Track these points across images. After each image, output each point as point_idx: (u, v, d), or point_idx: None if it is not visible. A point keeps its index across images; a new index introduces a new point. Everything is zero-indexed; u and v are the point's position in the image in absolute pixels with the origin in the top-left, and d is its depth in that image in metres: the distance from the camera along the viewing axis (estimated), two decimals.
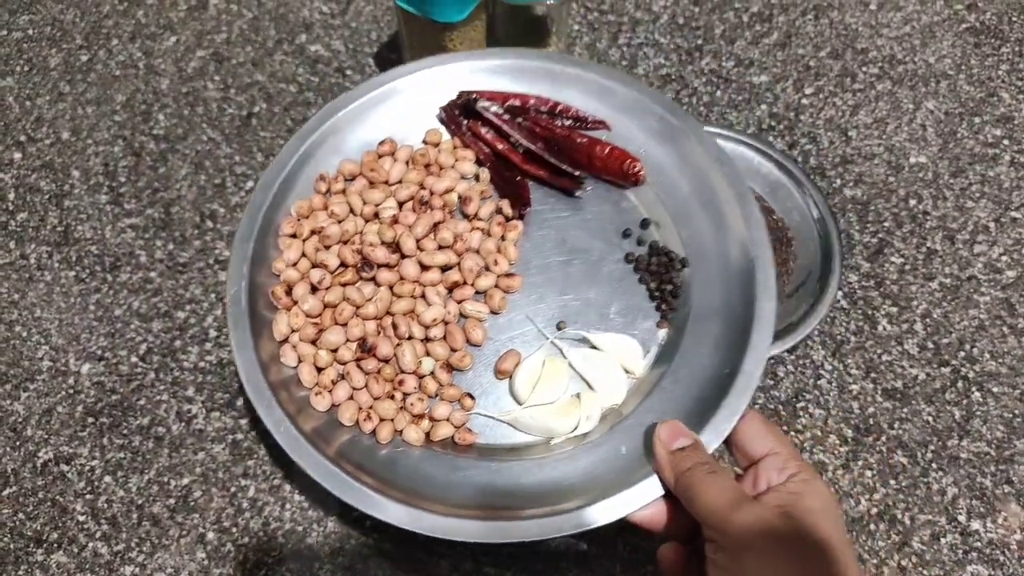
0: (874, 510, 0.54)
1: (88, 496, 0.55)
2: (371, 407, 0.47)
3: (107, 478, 0.56)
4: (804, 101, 0.74)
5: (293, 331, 0.49)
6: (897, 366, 0.60)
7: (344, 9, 0.80)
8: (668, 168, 0.54)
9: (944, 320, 0.62)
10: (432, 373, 0.48)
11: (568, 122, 0.56)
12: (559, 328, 0.50)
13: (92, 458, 0.56)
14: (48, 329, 0.61)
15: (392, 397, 0.47)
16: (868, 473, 0.56)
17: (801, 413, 0.58)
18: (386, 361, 0.48)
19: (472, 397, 0.48)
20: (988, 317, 0.62)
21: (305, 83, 0.74)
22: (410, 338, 0.48)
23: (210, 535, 0.53)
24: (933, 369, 0.60)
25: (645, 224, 0.54)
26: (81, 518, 0.54)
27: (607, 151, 0.53)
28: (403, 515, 0.42)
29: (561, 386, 0.48)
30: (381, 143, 0.55)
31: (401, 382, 0.47)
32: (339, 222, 0.52)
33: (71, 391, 0.59)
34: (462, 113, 0.57)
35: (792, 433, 0.57)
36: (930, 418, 0.58)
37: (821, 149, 0.71)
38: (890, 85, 0.75)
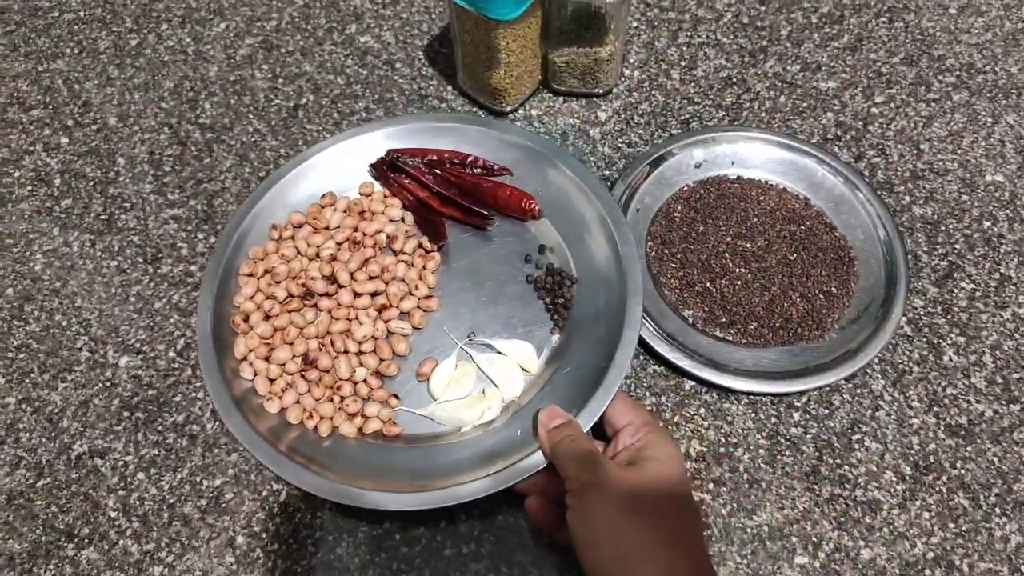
0: (930, 554, 0.51)
1: (121, 492, 0.54)
2: (314, 408, 0.56)
3: (140, 475, 0.55)
4: (874, 110, 0.70)
5: (250, 351, 0.58)
6: (962, 400, 0.56)
7: None
8: (559, 202, 0.63)
9: (1016, 353, 0.58)
10: (364, 380, 0.57)
11: (477, 170, 0.65)
12: (470, 338, 0.59)
13: (126, 453, 0.56)
14: (88, 319, 0.61)
15: (331, 400, 0.56)
16: (926, 515, 0.52)
17: (856, 446, 0.55)
18: (326, 371, 0.57)
19: (397, 397, 0.57)
20: None
21: (354, 75, 0.73)
22: (346, 352, 0.58)
23: (240, 539, 0.53)
24: (1001, 406, 0.56)
25: (541, 250, 0.62)
26: (113, 514, 0.54)
27: (508, 192, 0.63)
28: (343, 493, 0.50)
29: (470, 384, 0.57)
30: (323, 196, 0.65)
31: (339, 387, 0.56)
32: (287, 262, 0.61)
33: (108, 383, 0.59)
34: (389, 168, 0.66)
35: (845, 467, 0.54)
36: (995, 459, 0.54)
37: (890, 162, 0.67)
38: (967, 96, 0.71)
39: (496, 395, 0.56)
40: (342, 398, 0.56)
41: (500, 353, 0.58)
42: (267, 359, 0.57)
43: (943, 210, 0.64)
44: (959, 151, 0.67)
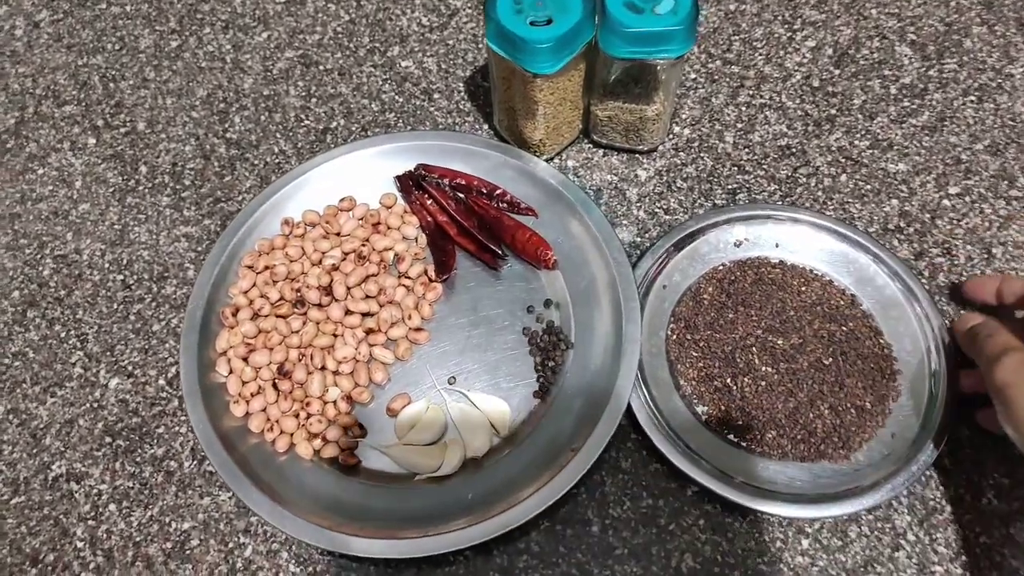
0: None
1: (91, 522, 0.53)
2: (277, 420, 0.55)
3: (112, 506, 0.54)
4: (945, 202, 0.63)
5: (230, 347, 0.57)
6: (996, 553, 0.50)
7: (444, 23, 0.74)
8: (575, 258, 0.59)
9: None
10: (334, 402, 0.55)
11: (503, 205, 0.62)
12: (450, 382, 0.57)
13: (102, 481, 0.55)
14: (86, 334, 0.60)
15: (297, 416, 0.55)
16: None
17: None
18: (299, 385, 0.56)
19: (362, 427, 0.55)
20: None
21: (389, 102, 0.70)
22: (323, 369, 0.56)
23: None
24: None
25: (547, 304, 0.60)
26: (80, 544, 0.53)
27: (527, 236, 0.60)
28: (275, 516, 0.49)
29: (435, 432, 0.54)
30: (342, 199, 0.63)
31: (307, 404, 0.55)
32: (290, 262, 0.60)
33: (95, 405, 0.57)
34: (414, 184, 0.63)
35: None
36: None
37: (955, 264, 0.60)
38: None
39: (458, 450, 0.54)
40: (308, 415, 0.55)
41: (475, 406, 0.56)
42: (245, 360, 0.56)
43: None
44: None
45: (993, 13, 0.73)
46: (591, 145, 0.67)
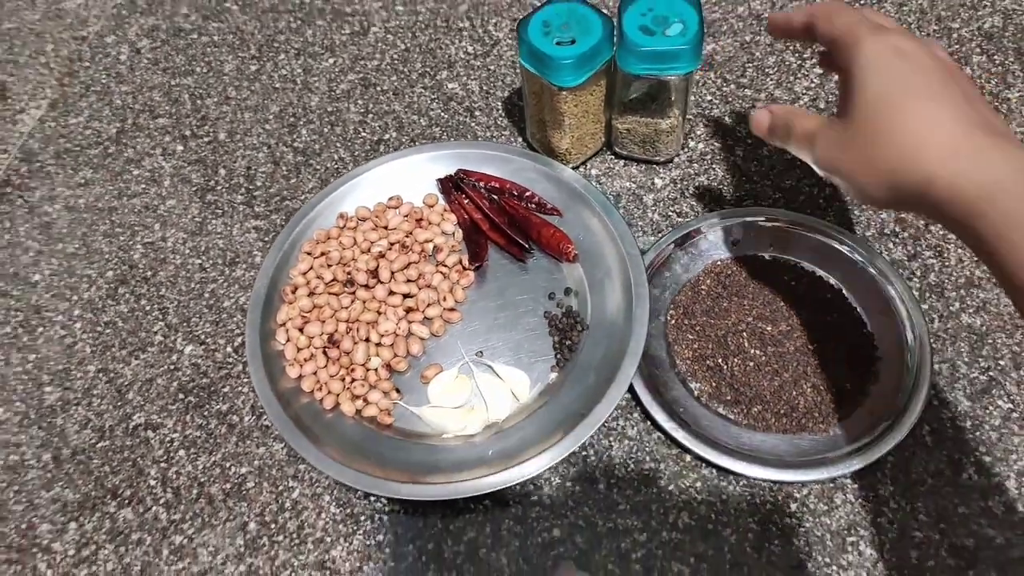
0: None
1: (163, 464, 0.62)
2: (326, 383, 0.62)
3: (181, 452, 0.62)
4: None
5: (288, 319, 0.65)
6: (973, 523, 0.54)
7: (488, 51, 0.83)
8: (595, 254, 0.67)
9: None
10: (376, 369, 0.63)
11: (531, 206, 0.71)
12: (478, 355, 0.64)
13: (174, 431, 0.63)
14: (167, 307, 0.69)
15: (343, 379, 0.63)
16: None
17: (850, 548, 0.54)
18: (346, 353, 0.64)
19: (399, 391, 0.63)
20: None
21: (435, 118, 0.79)
22: (367, 340, 0.64)
23: (252, 525, 0.58)
24: (1015, 536, 0.54)
25: (567, 292, 0.67)
26: (152, 483, 0.61)
27: (552, 232, 0.67)
28: (320, 462, 0.57)
29: (463, 397, 0.62)
30: (390, 198, 0.72)
31: (352, 370, 0.63)
32: (343, 249, 0.68)
33: (172, 367, 0.66)
34: (454, 186, 0.72)
35: (834, 567, 0.53)
36: None
37: (946, 265, 0.65)
38: None
39: (481, 413, 0.61)
40: (352, 380, 0.62)
41: (498, 376, 0.63)
42: (300, 330, 0.64)
43: (994, 323, 0.62)
44: None
45: (993, 44, 0.79)
46: (613, 156, 0.74)
